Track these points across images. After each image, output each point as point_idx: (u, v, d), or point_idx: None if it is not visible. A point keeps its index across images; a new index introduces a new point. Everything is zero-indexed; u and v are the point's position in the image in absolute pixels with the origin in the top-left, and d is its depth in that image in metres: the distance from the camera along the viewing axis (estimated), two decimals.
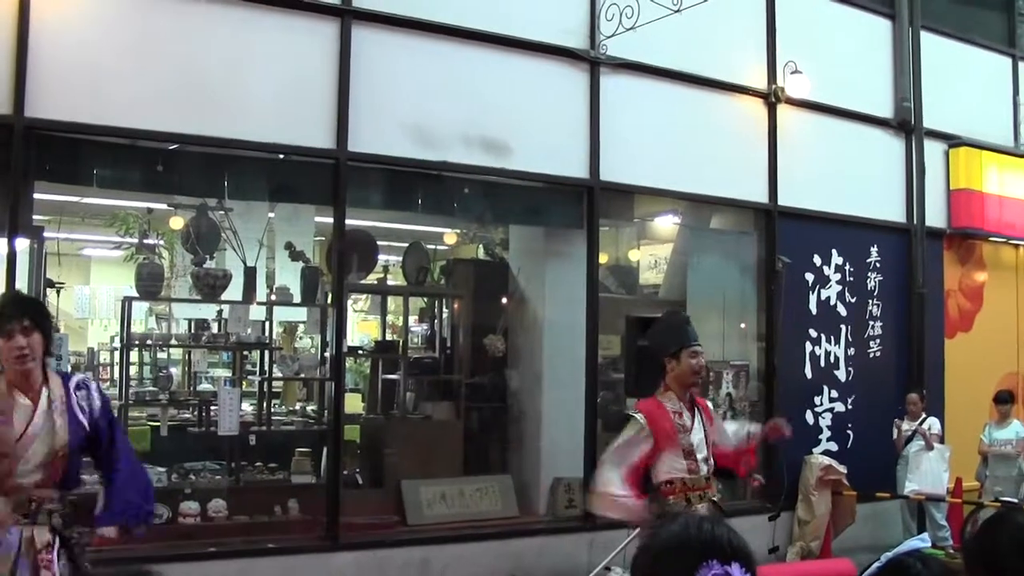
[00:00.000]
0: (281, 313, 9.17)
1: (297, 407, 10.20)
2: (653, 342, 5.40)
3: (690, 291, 9.36)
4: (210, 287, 7.95)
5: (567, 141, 8.11)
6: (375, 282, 9.90)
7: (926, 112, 10.45)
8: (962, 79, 11.04)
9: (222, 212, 8.13)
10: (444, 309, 9.75)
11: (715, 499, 5.08)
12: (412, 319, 11.00)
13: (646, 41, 8.15)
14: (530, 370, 8.68)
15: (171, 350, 10.35)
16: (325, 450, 7.46)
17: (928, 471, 9.32)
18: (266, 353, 8.81)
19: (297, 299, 8.54)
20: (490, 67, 7.75)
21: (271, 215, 8.64)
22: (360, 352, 10.11)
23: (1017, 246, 11.71)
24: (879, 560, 2.20)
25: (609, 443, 5.30)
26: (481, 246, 10.46)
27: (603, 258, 9.28)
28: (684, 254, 9.75)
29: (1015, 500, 8.99)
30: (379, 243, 9.43)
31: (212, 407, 8.21)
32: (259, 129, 6.79)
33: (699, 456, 5.15)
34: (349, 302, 10.48)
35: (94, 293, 12.49)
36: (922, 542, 2.32)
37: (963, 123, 10.96)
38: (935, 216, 10.64)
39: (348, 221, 7.39)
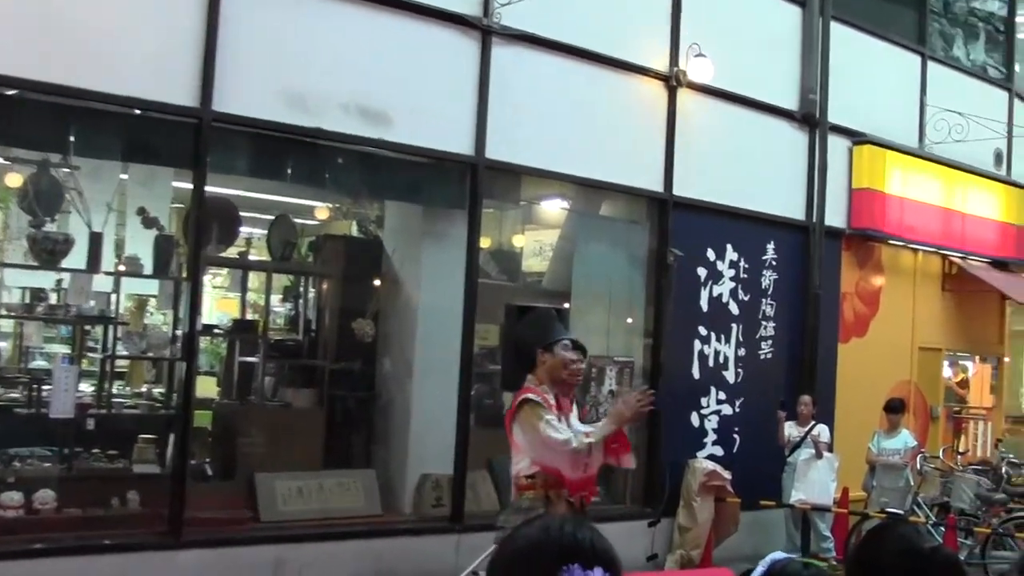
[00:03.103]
0: (130, 285, 9.07)
1: (143, 389, 10.08)
2: (526, 333, 5.70)
3: (575, 281, 9.63)
4: (49, 252, 7.83)
5: (453, 114, 8.26)
6: (236, 256, 9.88)
7: (832, 106, 10.93)
8: (871, 75, 11.55)
9: (67, 170, 8.00)
10: (310, 289, 9.83)
11: (571, 500, 5.31)
12: (275, 298, 10.98)
13: (543, 12, 8.36)
14: (401, 358, 8.84)
15: (1, 321, 10.13)
16: (172, 437, 7.46)
17: (816, 480, 9.66)
18: (111, 329, 8.71)
19: (148, 270, 8.47)
20: (374, 30, 7.84)
21: (123, 176, 8.55)
22: (216, 331, 10.10)
23: (916, 250, 12.31)
24: (760, 567, 2.29)
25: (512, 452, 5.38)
26: (354, 222, 10.53)
27: (485, 242, 9.46)
28: (571, 241, 10.02)
29: (901, 512, 9.43)
30: (242, 214, 9.42)
31: (45, 387, 8.09)
32: (114, 80, 6.70)
33: None
34: (206, 276, 10.41)
35: None
36: (788, 555, 2.38)
37: (869, 120, 11.48)
38: (835, 215, 11.15)
39: (209, 188, 7.40)
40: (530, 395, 5.32)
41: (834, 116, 11.00)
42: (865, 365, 11.43)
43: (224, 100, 7.13)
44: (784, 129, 10.77)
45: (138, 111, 7.02)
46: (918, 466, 10.61)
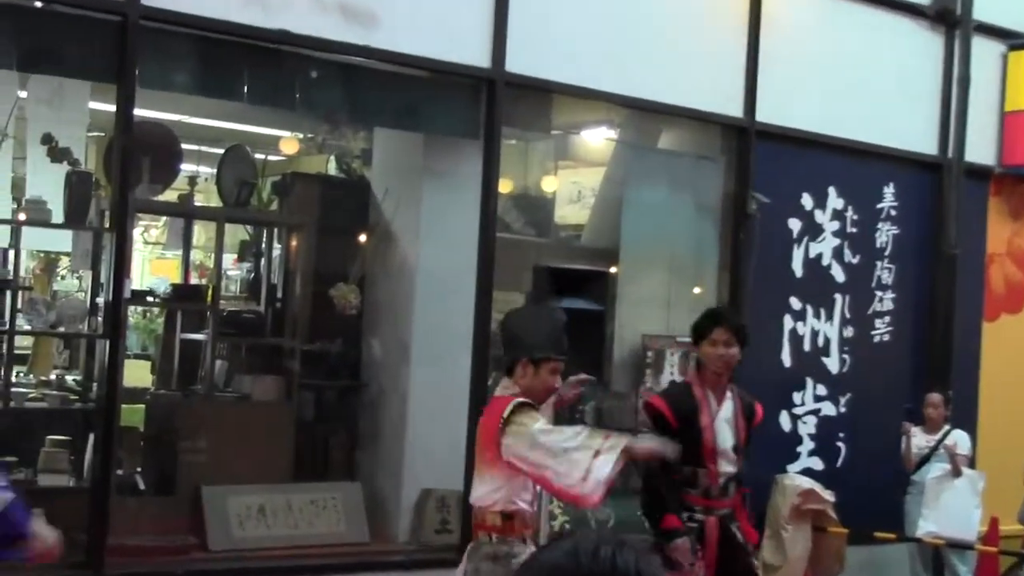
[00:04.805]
0: (34, 238, 9.22)
1: (53, 376, 10.23)
2: (524, 329, 5.90)
3: (625, 236, 9.69)
4: None
5: (462, 13, 8.30)
6: (176, 201, 9.95)
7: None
8: None
9: None
10: (275, 244, 9.91)
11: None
12: (228, 257, 11.09)
13: None
14: (394, 336, 8.96)
15: None
16: (92, 440, 7.59)
17: (952, 506, 9.59)
18: (7, 296, 8.84)
19: (58, 218, 8.59)
20: None
21: (21, 93, 8.67)
22: (151, 300, 10.17)
23: None
24: None
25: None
26: (332, 157, 10.63)
27: (505, 184, 9.52)
28: (619, 184, 10.06)
29: None
30: (184, 145, 9.55)
31: None
32: None
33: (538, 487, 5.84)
34: (137, 228, 10.57)
35: None
36: None
37: None
38: (980, 148, 11.13)
39: (139, 110, 7.46)
40: (521, 400, 5.60)
41: (981, 12, 10.94)
42: (1020, 350, 11.43)
43: None
44: (910, 31, 10.75)
45: (39, 2, 7.11)
46: None
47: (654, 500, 6.67)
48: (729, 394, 6.85)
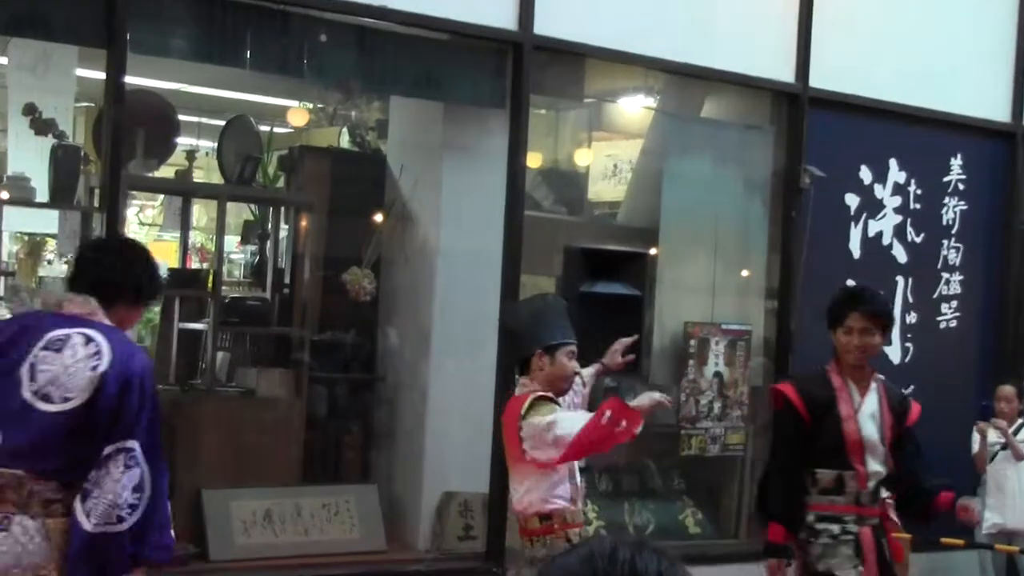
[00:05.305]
0: (16, 219, 9.24)
1: None
2: (522, 325, 6.15)
3: (665, 214, 9.62)
4: None
5: None
6: (173, 177, 9.96)
7: None
8: None
9: None
10: (282, 225, 9.90)
11: None
12: (231, 239, 11.12)
13: None
14: (413, 325, 8.95)
15: None
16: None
17: (1017, 492, 9.66)
18: None
19: (43, 197, 8.61)
20: None
21: (1, 60, 8.68)
22: None
23: None
24: None
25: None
26: (344, 130, 10.62)
27: (534, 158, 9.49)
28: (659, 157, 9.99)
29: None
30: (181, 116, 9.55)
31: None
32: None
33: (578, 480, 5.98)
34: (130, 208, 10.58)
35: None
36: None
37: None
38: None
39: (131, 78, 7.47)
40: (539, 393, 5.80)
41: None
42: None
43: None
44: None
45: None
46: None
47: (765, 502, 6.59)
48: (874, 385, 6.56)
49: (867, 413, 6.46)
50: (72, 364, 4.72)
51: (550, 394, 5.80)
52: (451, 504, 8.55)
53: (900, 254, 10.31)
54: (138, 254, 5.28)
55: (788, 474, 6.45)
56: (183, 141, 10.29)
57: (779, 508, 6.45)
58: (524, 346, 6.01)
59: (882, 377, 6.68)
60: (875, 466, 6.45)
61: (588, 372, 6.58)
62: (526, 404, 5.68)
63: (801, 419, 6.38)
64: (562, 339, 5.91)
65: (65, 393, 4.70)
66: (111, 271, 5.06)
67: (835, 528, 6.36)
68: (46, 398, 4.71)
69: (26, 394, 4.71)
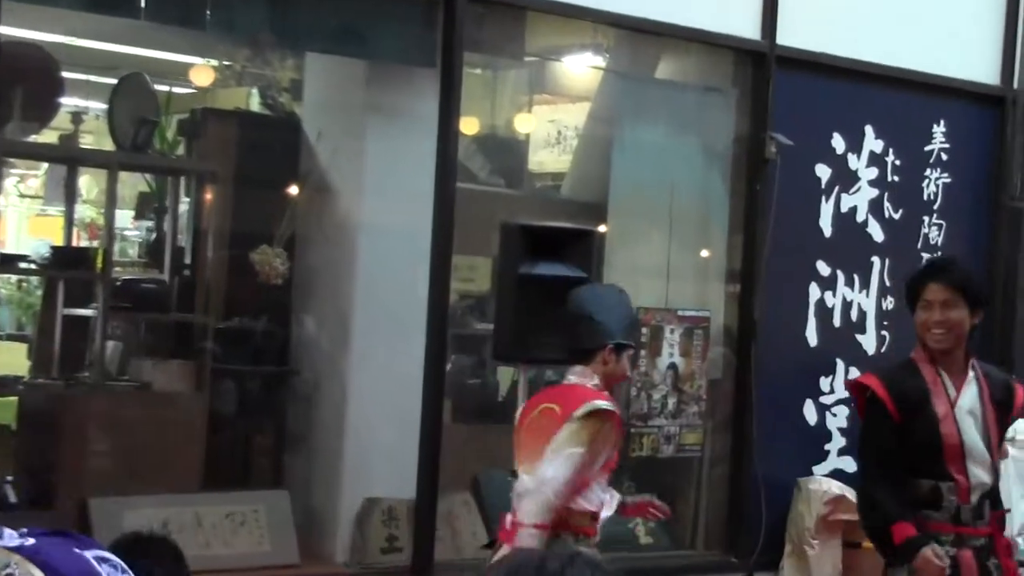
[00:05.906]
0: None
1: None
2: (601, 310, 6.40)
3: (615, 187, 9.67)
4: None
5: None
6: (56, 143, 9.90)
7: None
8: None
9: None
10: (182, 198, 9.85)
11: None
12: (124, 214, 11.06)
13: None
14: (332, 310, 8.93)
15: None
16: None
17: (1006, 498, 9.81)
18: None
19: None
20: None
21: None
22: (26, 267, 10.14)
23: None
24: None
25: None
26: (254, 89, 10.61)
27: (468, 123, 9.52)
28: (608, 123, 10.03)
29: None
30: (65, 73, 9.46)
31: None
32: None
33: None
34: (9, 179, 10.50)
35: None
36: None
37: None
38: None
39: (6, 28, 7.50)
40: (604, 404, 6.14)
41: None
42: None
43: None
44: None
45: None
46: None
47: (874, 512, 6.17)
48: (971, 374, 6.22)
49: (965, 410, 6.17)
50: None
51: (608, 406, 6.15)
52: (373, 512, 8.51)
53: (876, 232, 10.34)
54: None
55: (891, 481, 6.08)
56: (68, 102, 10.18)
57: (895, 509, 6.01)
58: (598, 334, 6.29)
59: (979, 363, 6.37)
60: (979, 475, 6.12)
61: None
62: (585, 409, 6.03)
63: (891, 418, 6.10)
64: (631, 340, 6.43)
65: None
66: None
67: None
68: None
69: None
